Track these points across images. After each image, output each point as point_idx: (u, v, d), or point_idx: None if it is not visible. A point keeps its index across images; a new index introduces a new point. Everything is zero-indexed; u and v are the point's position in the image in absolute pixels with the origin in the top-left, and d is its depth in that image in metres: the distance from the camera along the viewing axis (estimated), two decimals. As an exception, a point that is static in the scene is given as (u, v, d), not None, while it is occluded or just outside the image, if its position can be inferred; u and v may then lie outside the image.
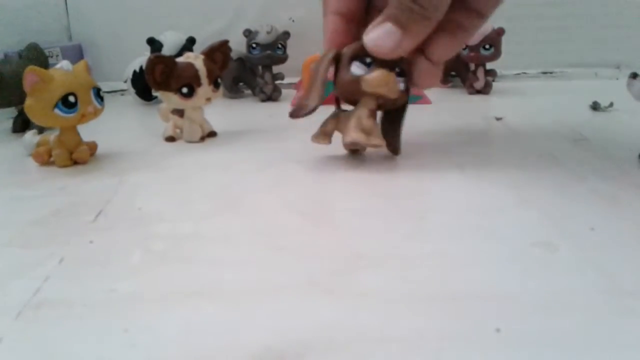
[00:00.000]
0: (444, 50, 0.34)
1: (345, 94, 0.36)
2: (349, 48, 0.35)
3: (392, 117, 0.38)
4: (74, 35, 0.76)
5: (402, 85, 0.35)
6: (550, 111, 0.57)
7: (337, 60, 0.35)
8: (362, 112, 0.35)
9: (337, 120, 0.37)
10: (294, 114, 0.36)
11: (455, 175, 0.36)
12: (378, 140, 0.35)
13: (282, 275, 0.24)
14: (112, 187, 0.35)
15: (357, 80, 0.34)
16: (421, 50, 0.35)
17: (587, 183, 0.33)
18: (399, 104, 0.36)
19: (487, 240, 0.26)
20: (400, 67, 0.35)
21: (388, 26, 0.32)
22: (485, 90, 0.66)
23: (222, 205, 0.32)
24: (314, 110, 0.35)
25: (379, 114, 0.37)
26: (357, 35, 0.35)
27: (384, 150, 0.38)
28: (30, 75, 0.37)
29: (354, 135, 0.35)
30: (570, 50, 0.77)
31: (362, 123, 0.35)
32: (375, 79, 0.34)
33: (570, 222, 0.28)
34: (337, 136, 0.37)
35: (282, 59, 0.64)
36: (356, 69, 0.34)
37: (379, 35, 0.32)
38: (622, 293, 0.21)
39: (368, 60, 0.34)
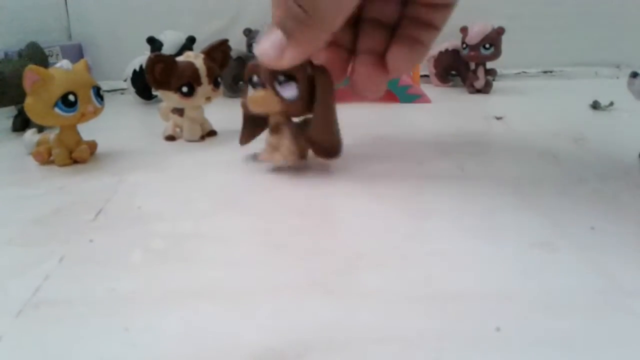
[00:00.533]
0: (403, 62, 0.33)
1: (249, 114, 0.36)
2: (246, 68, 0.35)
3: (313, 120, 0.34)
4: (73, 35, 0.76)
5: (293, 92, 0.33)
6: (551, 110, 0.57)
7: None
8: (269, 128, 0.35)
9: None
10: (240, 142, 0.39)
11: (455, 175, 0.36)
12: (279, 156, 0.35)
13: (282, 274, 0.24)
14: (112, 186, 0.35)
15: (244, 102, 0.35)
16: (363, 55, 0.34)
17: (587, 183, 0.33)
18: (300, 111, 0.34)
19: (487, 240, 0.26)
20: (288, 74, 0.32)
21: (275, 35, 0.30)
22: (486, 89, 0.66)
23: (222, 205, 0.32)
24: (243, 143, 0.39)
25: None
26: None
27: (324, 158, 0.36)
28: (30, 74, 0.37)
29: (261, 155, 0.36)
30: (571, 50, 0.78)
31: (268, 140, 0.35)
32: (250, 101, 0.34)
33: (571, 221, 0.28)
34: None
35: (282, 58, 0.63)
36: (249, 91, 0.35)
37: (266, 44, 0.30)
38: (622, 293, 0.21)
39: (255, 79, 0.34)
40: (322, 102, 0.33)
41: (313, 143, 0.35)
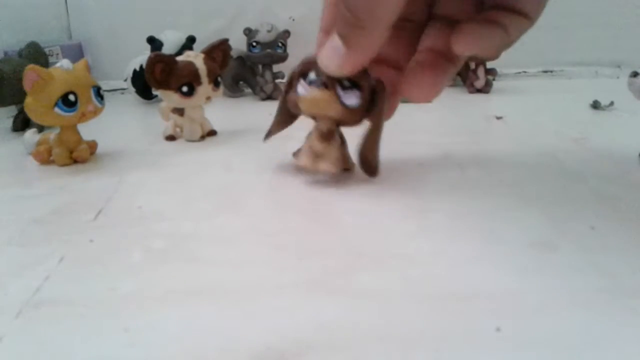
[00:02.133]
0: (472, 40, 0.28)
1: (297, 113, 0.34)
2: (302, 61, 0.32)
3: (367, 135, 0.33)
4: (74, 34, 0.76)
5: (353, 101, 0.31)
6: (551, 110, 0.57)
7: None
8: (315, 134, 0.33)
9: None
10: (265, 137, 0.37)
11: (455, 175, 0.36)
12: (326, 165, 0.33)
13: (283, 274, 0.24)
14: (112, 186, 0.35)
15: (296, 100, 0.32)
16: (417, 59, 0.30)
17: (588, 182, 0.33)
18: (355, 122, 0.32)
19: (488, 240, 0.26)
20: (354, 80, 0.30)
21: (335, 41, 0.28)
22: (486, 89, 0.65)
23: (223, 204, 0.32)
24: (270, 135, 0.36)
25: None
26: None
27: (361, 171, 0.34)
28: (31, 74, 0.37)
29: (302, 161, 0.33)
30: (571, 49, 0.77)
31: (313, 146, 0.33)
32: (305, 100, 0.31)
33: (571, 221, 0.28)
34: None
35: (283, 58, 0.63)
36: (300, 88, 0.31)
37: (327, 52, 0.29)
38: (622, 293, 0.21)
39: (312, 77, 0.31)
40: (379, 116, 0.32)
41: (363, 157, 0.34)
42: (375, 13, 0.26)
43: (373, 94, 0.31)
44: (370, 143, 0.33)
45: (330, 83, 0.30)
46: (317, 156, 0.33)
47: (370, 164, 0.34)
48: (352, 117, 0.31)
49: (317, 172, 0.34)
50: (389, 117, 0.34)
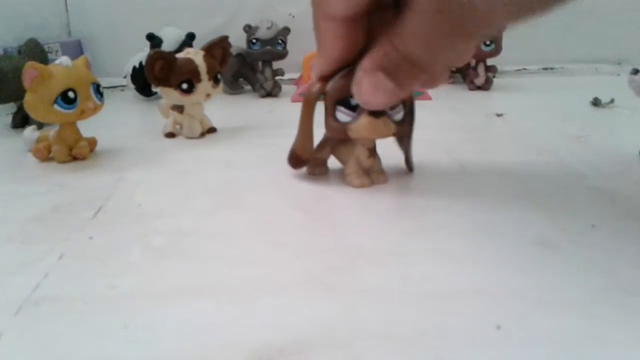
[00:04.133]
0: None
1: (336, 138, 0.33)
2: (332, 88, 0.31)
3: (408, 138, 0.34)
4: (73, 31, 0.76)
5: (400, 116, 0.32)
6: (551, 107, 0.57)
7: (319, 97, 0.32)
8: (361, 151, 0.33)
9: (332, 148, 0.35)
10: (292, 165, 0.35)
11: (456, 172, 0.36)
12: (381, 177, 0.34)
13: (282, 272, 0.24)
14: (112, 183, 0.35)
15: (343, 128, 0.31)
16: None
17: (588, 180, 0.33)
18: (403, 133, 0.33)
19: (488, 238, 0.26)
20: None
21: (379, 78, 0.27)
22: (486, 86, 0.65)
23: (222, 202, 0.32)
24: (308, 161, 0.35)
25: None
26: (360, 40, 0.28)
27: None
28: (30, 70, 0.37)
29: (357, 182, 0.33)
30: (571, 46, 0.77)
31: (361, 164, 0.33)
32: (361, 128, 0.31)
33: (571, 219, 0.28)
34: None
35: (282, 55, 0.63)
36: (342, 115, 0.31)
37: (369, 90, 0.28)
38: (623, 291, 0.21)
39: (353, 102, 0.30)
40: (414, 120, 0.33)
41: (408, 160, 0.35)
42: (438, 61, 0.26)
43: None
44: (410, 145, 0.35)
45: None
46: (366, 172, 0.34)
47: (411, 162, 0.36)
48: (403, 129, 0.33)
49: (363, 186, 0.34)
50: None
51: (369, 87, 0.28)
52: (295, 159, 0.35)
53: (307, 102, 0.32)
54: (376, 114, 0.30)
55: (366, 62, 0.27)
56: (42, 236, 0.28)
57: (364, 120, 0.30)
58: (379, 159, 0.34)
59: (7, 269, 0.24)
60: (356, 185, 0.33)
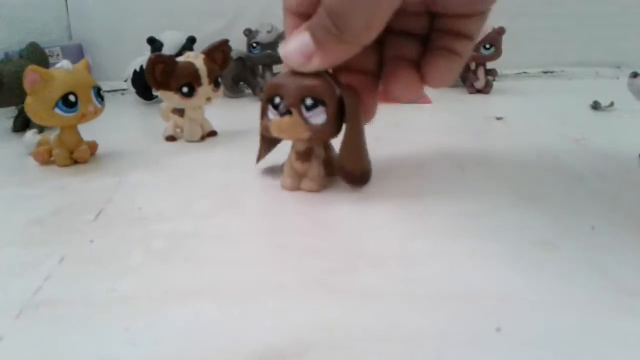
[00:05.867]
0: (441, 73, 0.31)
1: (268, 136, 0.33)
2: (266, 86, 0.32)
3: (343, 144, 0.32)
4: (74, 35, 0.76)
5: (321, 118, 0.30)
6: (551, 111, 0.57)
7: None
8: (292, 154, 0.33)
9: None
10: (257, 161, 0.36)
11: (456, 175, 0.36)
12: (308, 184, 0.33)
13: (283, 274, 0.24)
14: (113, 187, 0.35)
15: (267, 126, 0.31)
16: (405, 60, 0.32)
17: (588, 182, 0.33)
18: (329, 136, 0.32)
19: (488, 240, 0.26)
20: (316, 97, 0.30)
21: (305, 37, 0.28)
22: (486, 89, 0.66)
23: (223, 205, 0.32)
24: (261, 158, 0.36)
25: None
26: None
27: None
28: (31, 74, 0.37)
29: (283, 181, 0.34)
30: (571, 50, 0.78)
31: (293, 167, 0.33)
32: (272, 126, 0.31)
33: (571, 221, 0.28)
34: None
35: (283, 59, 0.64)
36: (270, 113, 0.31)
37: (293, 47, 0.29)
38: (623, 292, 0.21)
39: (276, 100, 0.31)
40: (353, 125, 0.31)
41: (342, 170, 0.33)
42: (358, 31, 0.27)
43: (342, 103, 0.31)
44: (348, 152, 0.32)
45: (293, 104, 0.30)
46: (299, 175, 0.33)
47: (351, 173, 0.33)
48: (323, 133, 0.31)
49: (301, 189, 0.33)
50: (369, 119, 0.34)
51: (292, 45, 0.29)
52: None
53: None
54: (284, 113, 0.30)
55: (303, 25, 0.29)
56: (43, 239, 0.28)
57: (274, 119, 0.31)
58: (317, 166, 0.33)
59: (8, 272, 0.24)
60: (282, 185, 0.34)
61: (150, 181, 0.37)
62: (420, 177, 0.35)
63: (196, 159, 0.42)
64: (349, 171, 0.33)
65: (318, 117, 0.30)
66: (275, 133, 0.31)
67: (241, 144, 0.45)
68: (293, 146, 0.33)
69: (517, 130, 0.49)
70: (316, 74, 0.30)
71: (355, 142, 0.32)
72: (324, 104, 0.30)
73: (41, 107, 0.37)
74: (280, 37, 0.63)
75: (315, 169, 0.33)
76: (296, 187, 0.33)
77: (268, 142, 0.36)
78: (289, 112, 0.30)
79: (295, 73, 0.30)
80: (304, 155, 0.33)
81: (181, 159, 0.42)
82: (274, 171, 0.37)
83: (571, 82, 0.74)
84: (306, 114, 0.30)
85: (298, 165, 0.33)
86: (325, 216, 0.30)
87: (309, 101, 0.30)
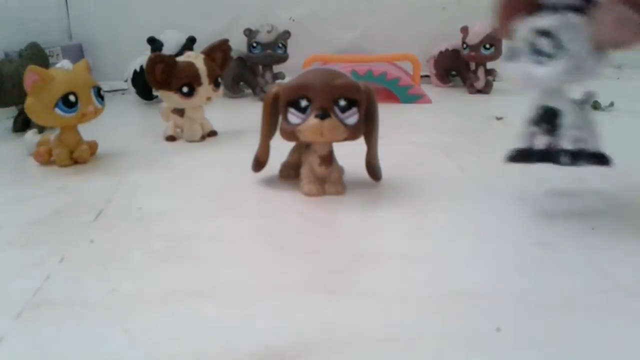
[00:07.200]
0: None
1: (292, 141, 0.32)
2: (284, 89, 0.31)
3: (369, 143, 0.33)
4: (74, 35, 0.76)
5: (354, 119, 0.30)
6: (551, 111, 0.57)
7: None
8: (313, 159, 0.32)
9: (300, 152, 0.34)
10: (253, 168, 0.35)
11: (455, 175, 0.36)
12: (334, 188, 0.32)
13: (283, 274, 0.24)
14: (113, 187, 0.35)
15: (293, 130, 0.30)
16: None
17: (587, 183, 0.33)
18: (358, 137, 0.32)
19: (488, 240, 0.26)
20: (349, 97, 0.30)
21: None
22: (486, 89, 0.66)
23: (222, 205, 0.32)
24: (264, 164, 0.35)
25: None
26: None
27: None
28: (31, 74, 0.37)
29: (307, 188, 0.32)
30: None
31: (314, 172, 0.32)
32: (307, 130, 0.30)
33: (571, 222, 0.28)
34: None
35: (283, 58, 0.64)
36: (292, 117, 0.30)
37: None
38: (622, 293, 0.21)
39: (303, 104, 0.30)
40: (376, 124, 0.32)
41: (372, 166, 0.33)
42: None
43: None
44: (373, 150, 0.33)
45: (328, 106, 0.29)
46: (320, 180, 0.33)
47: (375, 170, 0.34)
48: (357, 133, 0.31)
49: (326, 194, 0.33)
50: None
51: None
52: (255, 162, 0.35)
53: (264, 105, 0.32)
54: (323, 116, 0.29)
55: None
56: (43, 240, 0.28)
57: (311, 122, 0.30)
58: (338, 169, 0.33)
59: (9, 272, 0.24)
60: (304, 192, 0.32)
61: (150, 181, 0.37)
62: (420, 176, 0.35)
63: (196, 159, 0.42)
64: (377, 166, 0.34)
65: (352, 118, 0.30)
66: (311, 137, 0.30)
67: (241, 143, 0.45)
68: (315, 151, 0.32)
69: (517, 130, 0.48)
70: (342, 73, 0.30)
71: (376, 140, 0.33)
72: (356, 103, 0.30)
73: (41, 107, 0.37)
74: (280, 37, 0.63)
75: (336, 171, 0.33)
76: (322, 193, 0.32)
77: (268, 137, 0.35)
78: (327, 115, 0.29)
79: (318, 72, 0.30)
80: (327, 158, 0.32)
81: (181, 159, 0.42)
82: (274, 171, 0.37)
83: (571, 82, 0.74)
84: (340, 115, 0.30)
85: (322, 170, 0.32)
86: (325, 216, 0.30)
87: (342, 102, 0.30)
